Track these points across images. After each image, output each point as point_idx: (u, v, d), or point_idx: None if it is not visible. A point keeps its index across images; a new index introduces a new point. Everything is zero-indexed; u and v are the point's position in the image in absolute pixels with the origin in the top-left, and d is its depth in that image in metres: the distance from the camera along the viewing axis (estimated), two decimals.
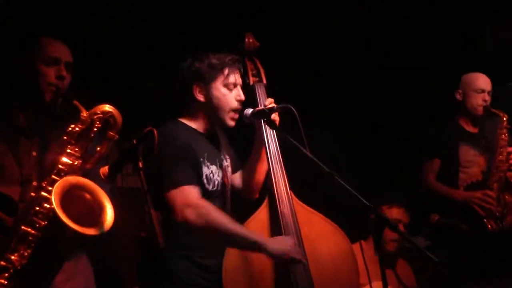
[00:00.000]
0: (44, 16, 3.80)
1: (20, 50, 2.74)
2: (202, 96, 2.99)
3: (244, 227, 2.94)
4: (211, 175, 2.97)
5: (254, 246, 2.79)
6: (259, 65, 3.39)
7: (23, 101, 2.69)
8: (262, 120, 3.07)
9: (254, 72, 3.38)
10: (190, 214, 2.73)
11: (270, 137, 3.17)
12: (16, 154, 2.60)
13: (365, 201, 2.53)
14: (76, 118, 2.59)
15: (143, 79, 4.23)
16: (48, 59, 2.65)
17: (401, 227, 4.20)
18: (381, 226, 2.53)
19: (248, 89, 3.32)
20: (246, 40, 3.40)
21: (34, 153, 2.63)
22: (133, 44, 4.34)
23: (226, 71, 2.97)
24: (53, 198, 2.39)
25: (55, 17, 3.84)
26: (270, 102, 3.16)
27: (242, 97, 3.03)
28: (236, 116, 3.03)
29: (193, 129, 3.01)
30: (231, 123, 3.03)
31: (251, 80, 3.34)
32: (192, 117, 3.03)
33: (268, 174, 3.13)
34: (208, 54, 3.00)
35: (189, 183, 2.81)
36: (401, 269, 4.27)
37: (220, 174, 3.03)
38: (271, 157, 3.13)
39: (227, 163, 3.14)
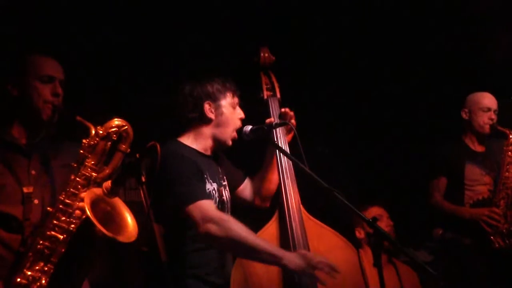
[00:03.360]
0: (45, 33, 3.87)
1: (15, 67, 2.73)
2: (212, 113, 3.07)
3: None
4: (214, 191, 3.02)
5: (273, 259, 2.77)
6: (273, 80, 3.41)
7: (20, 119, 2.68)
8: (274, 133, 3.18)
9: (268, 86, 3.40)
10: (212, 228, 2.75)
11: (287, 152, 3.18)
12: (14, 173, 2.59)
13: (364, 216, 2.54)
14: (80, 134, 2.61)
15: (144, 93, 4.29)
16: (43, 77, 2.65)
17: (386, 220, 4.16)
18: (380, 240, 2.54)
19: (261, 103, 3.36)
20: (262, 54, 3.43)
21: (33, 172, 2.63)
22: (133, 58, 4.39)
23: (231, 92, 3.12)
24: (85, 206, 2.44)
25: (55, 33, 3.92)
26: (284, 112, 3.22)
27: (243, 115, 3.15)
28: (236, 136, 3.11)
29: (193, 149, 3.07)
30: (230, 143, 3.11)
31: (265, 94, 3.37)
32: (194, 136, 3.09)
33: (279, 188, 3.14)
34: (212, 77, 3.11)
35: (205, 197, 2.86)
36: (405, 273, 4.18)
37: (220, 192, 3.07)
38: (282, 171, 3.14)
39: (225, 183, 3.18)
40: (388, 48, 5.14)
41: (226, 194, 3.15)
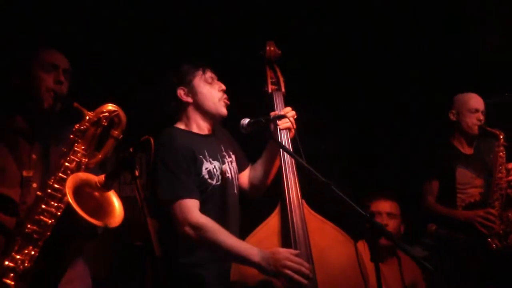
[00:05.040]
0: (44, 25, 3.88)
1: (18, 57, 2.78)
2: (188, 97, 3.11)
3: (252, 237, 2.98)
4: (214, 169, 3.05)
5: (250, 264, 2.82)
6: (279, 74, 3.41)
7: (23, 106, 2.71)
8: (275, 128, 3.16)
9: (273, 80, 3.39)
10: (189, 232, 2.84)
11: (285, 145, 3.16)
12: (16, 156, 2.62)
13: (361, 210, 2.52)
14: (78, 121, 2.62)
15: (142, 88, 4.31)
16: (46, 66, 2.69)
17: (395, 222, 4.08)
18: (377, 235, 2.51)
19: (266, 97, 3.34)
20: (268, 48, 3.42)
21: (34, 156, 2.66)
22: (130, 53, 4.40)
23: (201, 69, 3.14)
24: (67, 191, 2.40)
25: (55, 26, 3.94)
26: (287, 111, 3.18)
27: (223, 86, 3.17)
28: (225, 102, 3.14)
29: (190, 132, 3.11)
30: (224, 110, 3.14)
31: (270, 88, 3.36)
32: (186, 121, 3.14)
33: (281, 182, 3.12)
34: (179, 64, 3.16)
35: (188, 196, 2.89)
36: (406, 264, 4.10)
37: (222, 170, 3.09)
38: (285, 165, 3.13)
39: (230, 159, 3.21)
40: (385, 49, 5.18)
41: (231, 170, 3.18)
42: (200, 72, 3.13)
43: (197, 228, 2.83)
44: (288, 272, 2.75)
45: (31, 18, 3.87)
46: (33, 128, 2.71)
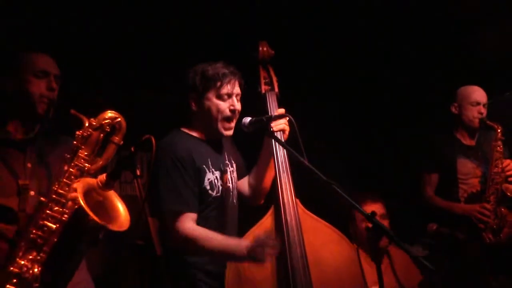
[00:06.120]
0: (40, 27, 3.88)
1: (9, 64, 2.73)
2: (196, 106, 3.07)
3: (246, 238, 2.97)
4: (216, 180, 3.03)
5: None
6: (272, 74, 3.40)
7: (15, 114, 2.70)
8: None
9: (266, 80, 3.39)
10: (181, 244, 2.88)
11: (278, 145, 3.17)
12: (9, 166, 2.61)
13: (363, 210, 2.54)
14: (75, 127, 2.61)
15: (144, 87, 4.31)
16: (38, 72, 2.67)
17: (386, 222, 4.00)
18: (379, 235, 2.54)
19: (259, 97, 3.35)
20: (260, 48, 3.41)
21: (29, 165, 2.65)
22: (131, 53, 4.38)
23: (219, 83, 3.02)
24: (78, 195, 2.43)
25: (50, 28, 3.92)
26: (280, 112, 3.20)
27: (236, 106, 3.06)
28: (230, 125, 3.07)
29: (195, 137, 3.09)
30: (226, 132, 3.08)
31: (263, 88, 3.36)
32: (192, 126, 3.11)
33: (275, 182, 3.14)
34: (205, 65, 3.07)
35: (183, 209, 2.90)
36: (399, 261, 4.11)
37: (223, 180, 3.07)
38: (278, 165, 3.14)
39: (232, 168, 3.18)
40: (382, 44, 5.18)
41: (232, 179, 3.17)
42: (215, 87, 3.01)
43: (189, 240, 2.85)
44: (257, 249, 2.73)
45: (29, 19, 3.83)
46: (26, 136, 2.70)
